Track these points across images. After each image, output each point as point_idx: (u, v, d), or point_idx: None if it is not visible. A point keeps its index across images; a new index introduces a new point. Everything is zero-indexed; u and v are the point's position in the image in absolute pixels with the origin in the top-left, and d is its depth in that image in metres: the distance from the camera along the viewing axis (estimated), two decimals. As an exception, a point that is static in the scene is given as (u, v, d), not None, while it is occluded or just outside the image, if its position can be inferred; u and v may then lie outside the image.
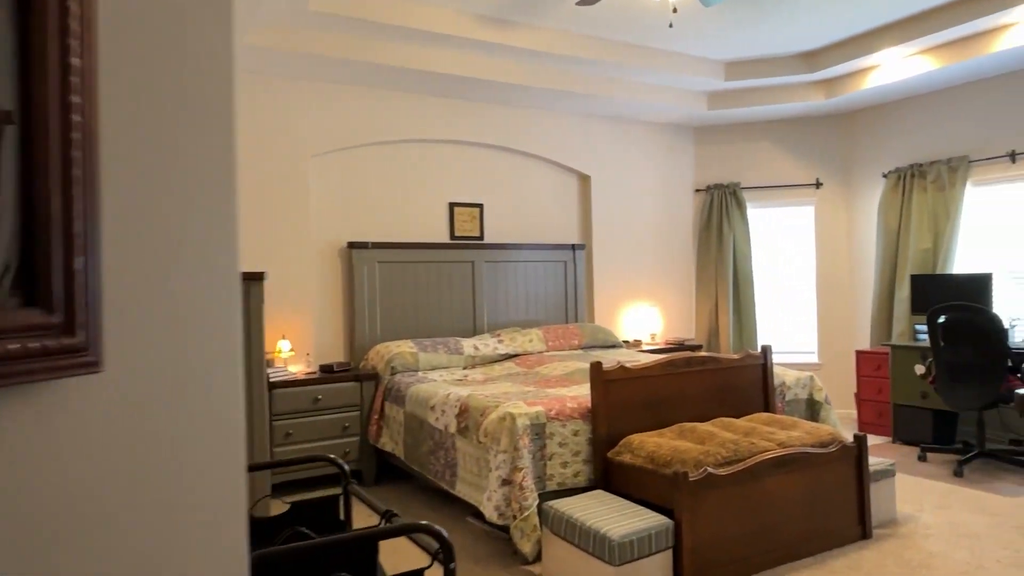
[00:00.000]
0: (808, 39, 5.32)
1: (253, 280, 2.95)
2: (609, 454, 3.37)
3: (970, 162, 5.51)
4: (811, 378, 4.24)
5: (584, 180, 6.22)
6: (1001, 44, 4.73)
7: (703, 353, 3.83)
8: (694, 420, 3.72)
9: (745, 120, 6.55)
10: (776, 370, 4.24)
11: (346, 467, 1.97)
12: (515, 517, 3.11)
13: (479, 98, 5.53)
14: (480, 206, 5.67)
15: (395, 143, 5.34)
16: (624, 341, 6.12)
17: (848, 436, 5.32)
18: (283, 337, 4.76)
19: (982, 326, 4.41)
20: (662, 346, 6.05)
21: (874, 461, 3.68)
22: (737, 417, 3.87)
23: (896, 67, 5.36)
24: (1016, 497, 4.03)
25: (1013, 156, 5.25)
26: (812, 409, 4.20)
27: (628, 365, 3.53)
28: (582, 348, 5.40)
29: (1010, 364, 4.47)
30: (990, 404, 4.44)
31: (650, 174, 6.54)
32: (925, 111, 5.83)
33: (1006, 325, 4.74)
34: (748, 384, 3.93)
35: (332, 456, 2.00)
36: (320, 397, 4.45)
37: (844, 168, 6.46)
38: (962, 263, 5.63)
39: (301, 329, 4.87)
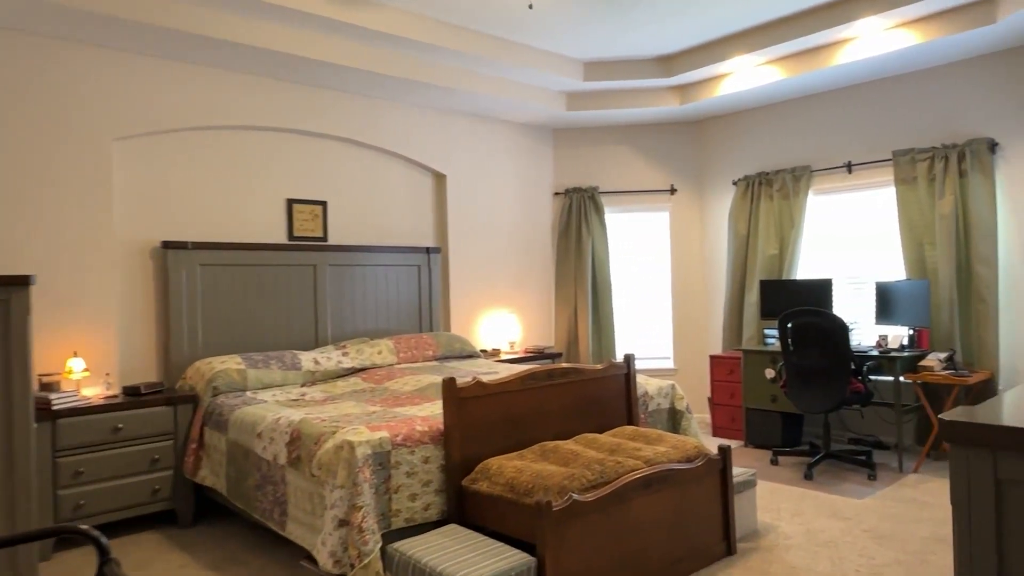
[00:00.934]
0: (665, 43, 5.27)
1: (13, 286, 2.29)
2: (464, 482, 2.98)
3: (812, 171, 5.71)
4: (672, 387, 4.10)
5: (439, 179, 5.83)
6: (840, 58, 4.89)
7: (565, 364, 3.55)
8: (557, 438, 3.43)
9: (603, 123, 6.46)
10: (639, 379, 4.06)
11: (104, 541, 1.43)
12: (353, 565, 2.64)
13: (324, 84, 4.99)
14: (323, 204, 5.11)
15: (222, 129, 4.66)
16: (482, 350, 5.79)
17: (710, 446, 5.35)
18: (75, 355, 3.96)
19: (830, 330, 4.49)
20: (521, 355, 5.78)
21: (736, 472, 3.57)
22: (601, 432, 3.63)
23: (746, 76, 5.44)
24: (861, 499, 4.10)
25: (849, 167, 5.48)
26: (674, 419, 4.06)
27: (485, 380, 3.17)
28: (437, 359, 5.00)
29: (852, 367, 4.59)
30: (836, 407, 4.54)
31: (509, 175, 6.27)
32: (772, 121, 5.99)
33: (848, 329, 4.89)
34: (611, 396, 3.71)
35: (84, 527, 1.45)
36: (122, 426, 3.72)
37: (697, 174, 6.54)
38: (805, 269, 5.82)
39: (100, 344, 4.08)
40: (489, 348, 6.00)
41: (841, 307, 5.61)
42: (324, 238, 5.10)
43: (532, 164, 6.46)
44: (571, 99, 5.96)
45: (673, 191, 6.52)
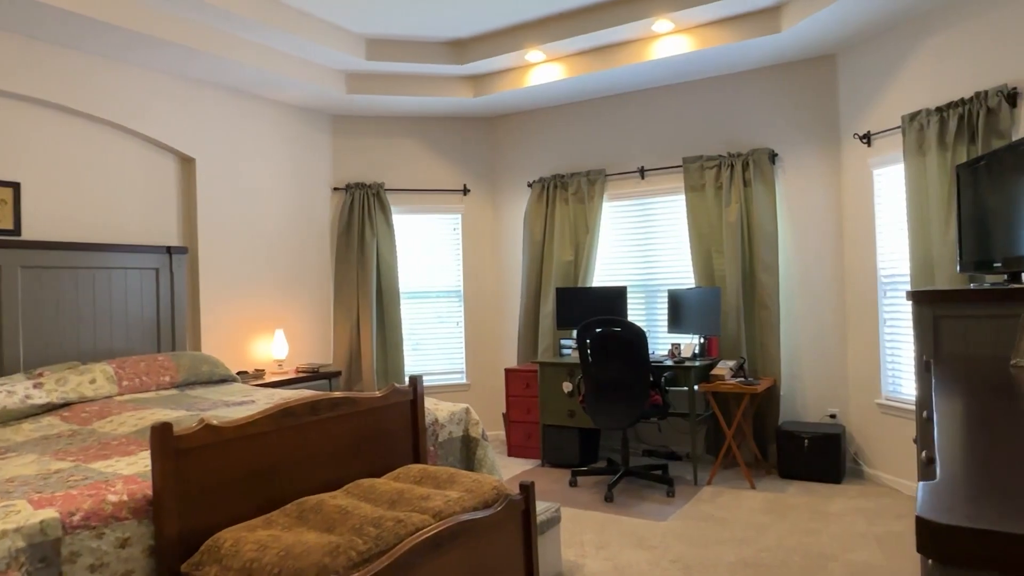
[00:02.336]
0: (456, 24, 4.75)
1: None
2: (184, 568, 2.14)
3: (607, 176, 5.52)
4: (467, 411, 3.54)
5: (187, 164, 4.77)
6: (633, 59, 4.71)
7: (336, 394, 2.82)
8: (325, 488, 2.69)
9: (390, 112, 5.80)
10: (428, 404, 3.44)
11: None
12: None
13: (10, 26, 3.76)
14: (15, 186, 3.86)
15: None
16: (240, 373, 4.81)
17: (507, 470, 4.84)
18: None
19: (629, 341, 4.23)
20: (292, 376, 4.90)
21: (539, 509, 3.09)
22: (381, 475, 2.94)
23: (541, 71, 5.09)
24: (664, 520, 3.85)
25: (643, 172, 5.37)
26: (468, 448, 3.49)
27: (218, 422, 2.34)
28: (177, 387, 3.97)
29: (651, 379, 4.37)
30: (636, 421, 4.29)
31: (278, 164, 5.36)
32: (568, 121, 5.74)
33: (644, 339, 4.68)
34: (395, 429, 3.04)
35: None
36: None
37: (492, 174, 6.11)
38: (601, 276, 5.62)
39: None
40: (251, 369, 5.04)
41: (635, 315, 5.47)
42: (16, 231, 3.86)
43: (307, 153, 5.61)
44: (352, 80, 5.22)
45: (466, 191, 6.04)
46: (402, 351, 5.76)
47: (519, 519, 2.73)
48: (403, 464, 3.07)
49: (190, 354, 4.20)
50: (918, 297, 2.84)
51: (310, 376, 4.94)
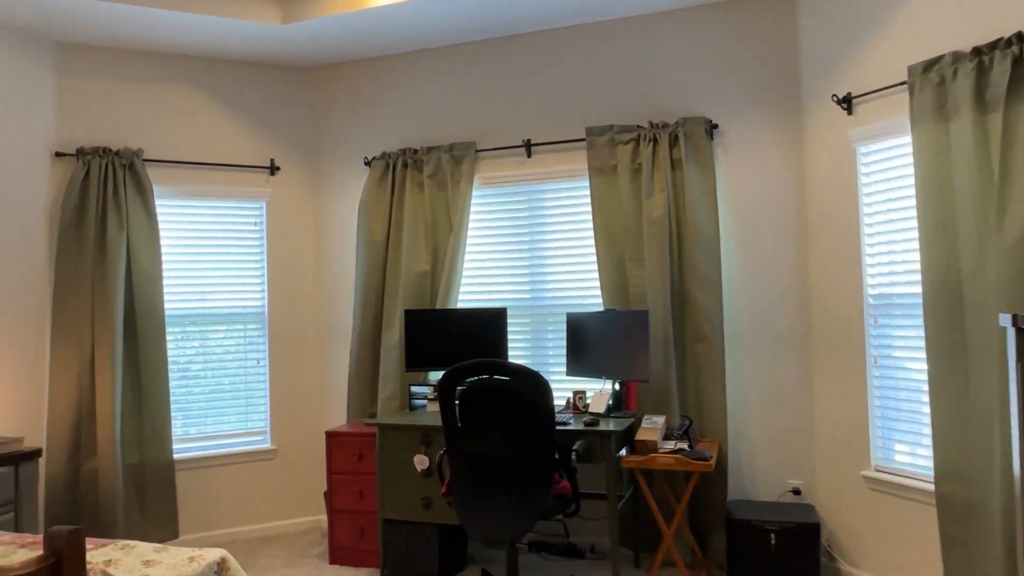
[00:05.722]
0: None
1: None
2: None
3: (478, 152, 3.92)
4: (221, 563, 1.74)
5: None
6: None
7: None
8: None
9: (154, 44, 3.83)
10: (124, 566, 1.61)
11: None
12: None
13: None
14: None
15: None
16: None
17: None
18: None
19: (522, 397, 2.62)
20: (-64, 464, 2.78)
21: None
22: None
23: (387, -16, 3.41)
24: None
25: (529, 148, 3.82)
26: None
27: None
28: None
29: (556, 455, 2.78)
30: (532, 525, 2.67)
31: (-58, 105, 3.23)
32: (424, 74, 4.07)
33: (539, 388, 3.08)
34: None
35: None
36: None
37: (312, 146, 4.29)
38: (468, 294, 3.99)
39: None
40: None
41: (518, 350, 3.88)
42: None
43: (6, 93, 3.51)
44: (76, -25, 3.24)
45: (274, 169, 4.18)
46: (168, 406, 3.76)
47: None
48: None
49: None
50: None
51: (-23, 462, 2.85)
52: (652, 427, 3.13)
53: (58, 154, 3.73)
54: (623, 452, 3.15)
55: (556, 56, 3.81)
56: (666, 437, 3.20)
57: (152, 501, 3.74)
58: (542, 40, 3.83)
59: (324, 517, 4.22)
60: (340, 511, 3.60)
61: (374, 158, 4.03)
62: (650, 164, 3.49)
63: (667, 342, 3.38)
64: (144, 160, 3.84)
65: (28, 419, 3.56)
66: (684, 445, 3.03)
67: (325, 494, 3.80)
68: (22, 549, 1.78)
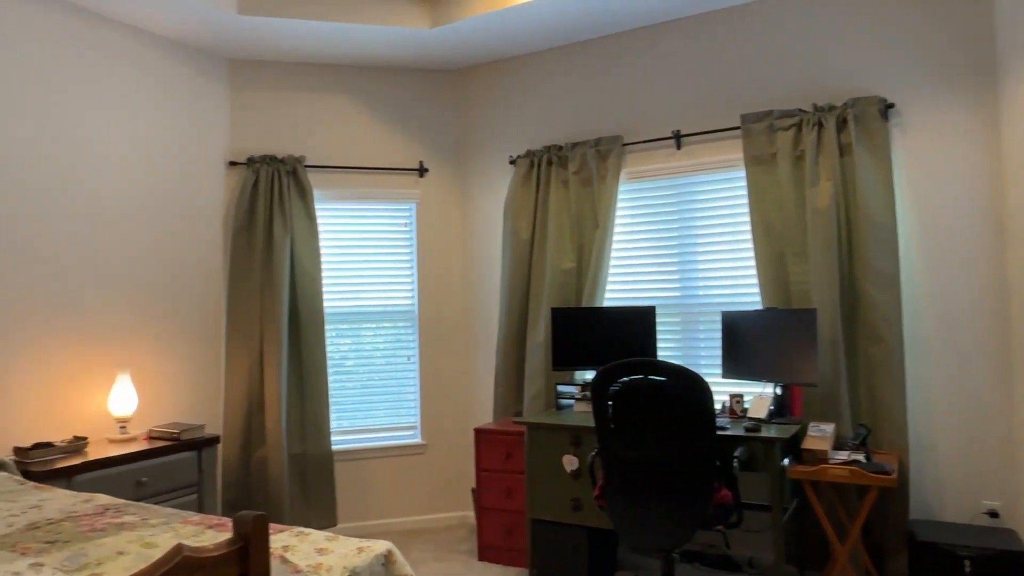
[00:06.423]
0: None
1: None
2: None
3: (625, 146, 3.81)
4: (388, 555, 1.76)
5: (-36, 106, 2.98)
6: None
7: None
8: None
9: (312, 54, 4.04)
10: (310, 545, 1.67)
11: None
12: None
13: None
14: None
15: None
16: (40, 446, 2.93)
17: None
18: None
19: (683, 400, 2.49)
20: (145, 446, 3.08)
21: None
22: None
23: (533, -20, 3.38)
24: None
25: (678, 139, 3.66)
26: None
27: None
28: None
29: (717, 462, 2.62)
30: (692, 535, 2.53)
31: (141, 121, 3.57)
32: (568, 69, 4.02)
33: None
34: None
35: None
36: None
37: (459, 148, 4.37)
38: (616, 292, 3.88)
39: None
40: (70, 436, 3.20)
41: (667, 350, 3.73)
42: None
43: (189, 109, 3.83)
44: (247, -5, 3.47)
45: (423, 171, 4.29)
46: (327, 400, 3.95)
47: None
48: None
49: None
50: None
51: (170, 446, 3.12)
52: (820, 435, 2.88)
53: (231, 163, 4.02)
54: (786, 461, 2.93)
55: (705, 42, 3.62)
56: (837, 447, 2.94)
57: (313, 489, 3.95)
58: (689, 27, 3.66)
59: (471, 513, 4.27)
60: (488, 508, 3.62)
61: (519, 156, 4.03)
62: (814, 150, 3.23)
63: (836, 344, 3.11)
64: (305, 166, 4.06)
65: (208, 409, 3.87)
66: (860, 456, 2.76)
67: (473, 491, 3.84)
68: (209, 530, 1.89)
